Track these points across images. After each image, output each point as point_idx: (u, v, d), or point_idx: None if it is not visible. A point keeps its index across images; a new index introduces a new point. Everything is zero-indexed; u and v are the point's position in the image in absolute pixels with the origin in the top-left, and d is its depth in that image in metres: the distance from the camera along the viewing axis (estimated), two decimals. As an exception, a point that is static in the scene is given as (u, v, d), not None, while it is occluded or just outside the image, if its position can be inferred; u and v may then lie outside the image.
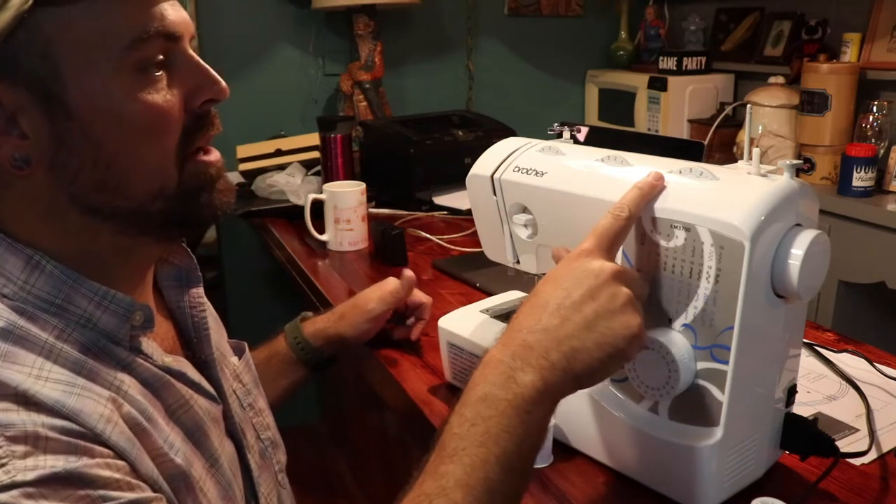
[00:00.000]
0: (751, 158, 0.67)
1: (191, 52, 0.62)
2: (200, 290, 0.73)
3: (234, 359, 0.80)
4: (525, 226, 0.82)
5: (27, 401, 0.50)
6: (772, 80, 2.09)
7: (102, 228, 0.60)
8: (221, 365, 0.74)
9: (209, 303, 0.83)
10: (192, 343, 0.71)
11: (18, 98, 0.55)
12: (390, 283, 1.02)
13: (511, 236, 0.85)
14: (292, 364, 1.00)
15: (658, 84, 2.31)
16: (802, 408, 0.85)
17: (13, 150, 0.56)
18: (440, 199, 1.76)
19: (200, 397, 0.66)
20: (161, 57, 0.59)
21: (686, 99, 2.31)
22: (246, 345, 0.84)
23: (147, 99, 0.58)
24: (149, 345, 0.63)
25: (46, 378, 0.52)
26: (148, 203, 0.61)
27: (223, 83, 0.63)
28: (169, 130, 0.60)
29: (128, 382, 0.58)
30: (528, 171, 0.80)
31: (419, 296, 1.05)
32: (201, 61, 0.62)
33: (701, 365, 0.66)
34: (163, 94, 0.59)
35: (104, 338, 0.59)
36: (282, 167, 1.89)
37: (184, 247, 0.72)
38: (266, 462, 0.77)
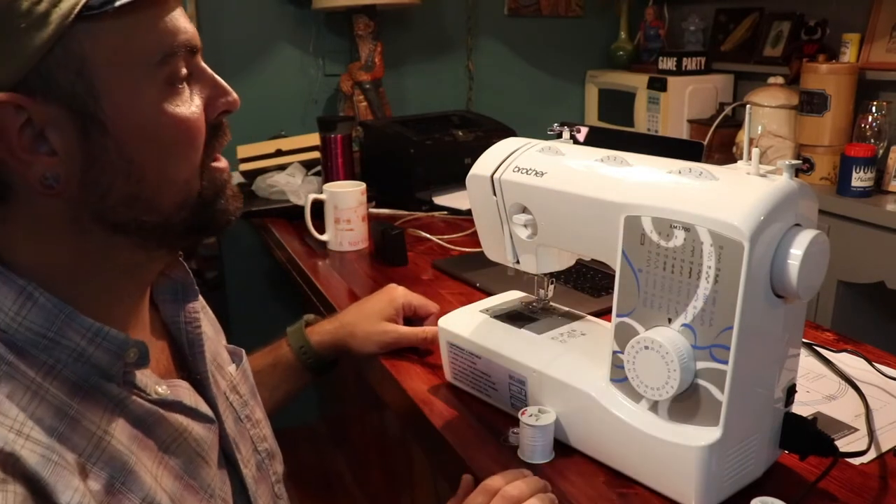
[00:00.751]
0: (750, 159, 0.68)
1: (205, 65, 0.63)
2: (197, 305, 0.72)
3: (232, 367, 0.79)
4: (525, 226, 0.82)
5: (5, 463, 0.50)
6: (771, 80, 2.09)
7: (120, 244, 0.60)
8: (217, 378, 0.74)
9: (207, 307, 0.84)
10: (187, 360, 0.71)
11: (50, 114, 0.54)
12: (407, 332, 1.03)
13: (511, 236, 0.85)
14: (297, 371, 1.00)
15: (658, 84, 2.32)
16: (802, 407, 0.85)
17: (44, 170, 0.55)
18: (440, 199, 1.77)
19: (196, 424, 0.66)
20: (185, 71, 0.60)
21: (686, 99, 2.31)
22: (244, 352, 0.84)
23: (178, 113, 0.59)
24: (143, 377, 0.62)
25: (27, 437, 0.51)
26: (174, 215, 0.61)
27: (235, 94, 0.65)
28: (198, 143, 0.61)
29: (115, 426, 0.58)
30: (527, 172, 0.80)
31: (429, 307, 1.06)
32: (215, 74, 0.63)
33: (700, 365, 0.66)
34: (189, 107, 0.60)
35: (96, 374, 0.58)
36: (282, 167, 1.89)
37: (181, 260, 0.72)
38: (263, 474, 0.77)
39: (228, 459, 0.71)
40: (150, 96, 0.57)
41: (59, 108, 0.54)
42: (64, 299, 0.58)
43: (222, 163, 0.66)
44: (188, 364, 0.71)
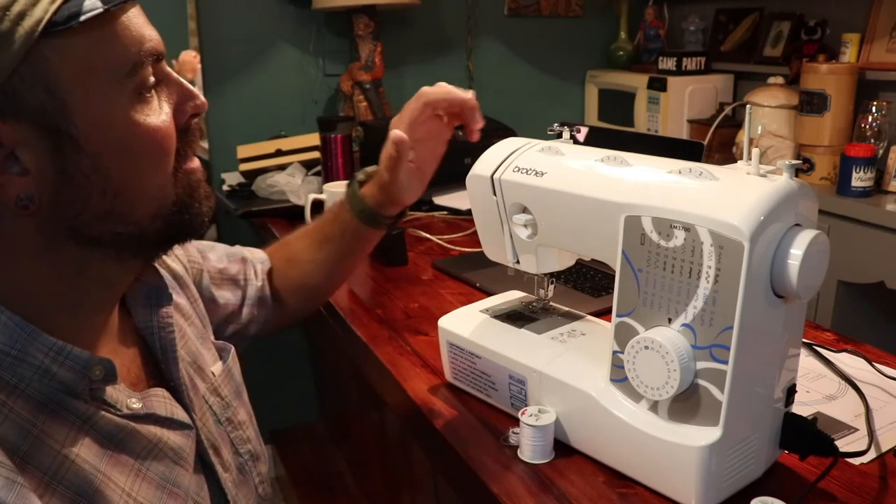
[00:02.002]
0: (750, 159, 0.68)
1: (169, 69, 0.62)
2: (170, 310, 0.71)
3: (216, 366, 0.78)
4: (525, 226, 0.82)
5: None
6: (771, 80, 2.09)
7: (95, 258, 0.60)
8: (196, 381, 0.73)
9: (199, 300, 0.83)
10: (160, 365, 0.70)
11: (20, 134, 0.53)
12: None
13: (511, 236, 0.85)
14: (367, 232, 0.98)
15: (658, 84, 2.32)
16: (802, 407, 0.85)
17: (18, 190, 0.54)
18: (440, 199, 1.77)
19: (172, 432, 0.65)
20: (153, 79, 0.59)
21: (685, 99, 2.32)
22: (232, 348, 0.83)
23: (149, 122, 0.58)
24: (114, 391, 0.61)
25: None
26: (148, 225, 0.61)
27: (202, 97, 0.64)
28: (169, 150, 0.61)
29: (81, 444, 0.57)
30: (528, 171, 0.80)
31: (455, 94, 0.90)
32: (179, 77, 0.63)
33: (700, 365, 0.66)
34: (159, 116, 0.59)
35: (62, 391, 0.57)
36: (282, 167, 1.89)
37: (154, 265, 0.72)
38: (245, 477, 0.77)
39: (205, 464, 0.70)
40: (120, 108, 0.57)
41: (29, 126, 0.53)
42: (30, 315, 0.57)
43: (194, 163, 0.65)
44: (161, 369, 0.70)
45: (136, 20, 0.58)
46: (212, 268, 0.92)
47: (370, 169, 0.98)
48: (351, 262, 1.03)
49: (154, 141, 0.59)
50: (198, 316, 0.82)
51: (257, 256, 1.02)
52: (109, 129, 0.56)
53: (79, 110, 0.55)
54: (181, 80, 0.63)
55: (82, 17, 0.53)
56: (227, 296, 0.93)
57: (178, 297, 0.78)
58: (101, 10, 0.53)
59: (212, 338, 0.82)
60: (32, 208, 0.55)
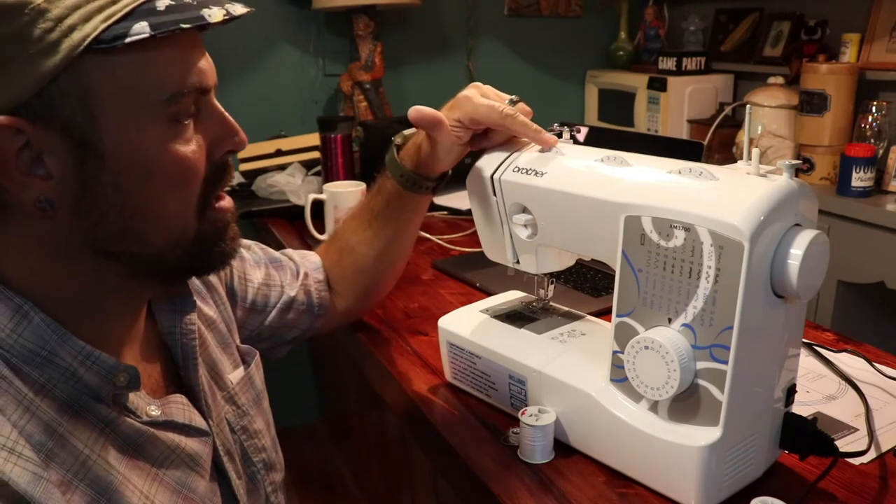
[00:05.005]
0: (750, 159, 0.68)
1: (216, 102, 0.63)
2: (193, 317, 0.72)
3: (235, 373, 0.79)
4: (525, 226, 0.82)
5: None
6: (771, 80, 2.09)
7: (112, 271, 0.60)
8: (214, 389, 0.74)
9: (227, 303, 0.83)
10: (180, 371, 0.71)
11: (49, 139, 0.55)
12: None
13: (511, 236, 0.85)
14: (411, 199, 0.94)
15: (657, 84, 2.32)
16: (802, 407, 0.85)
17: (39, 192, 0.55)
18: (440, 199, 1.77)
19: (189, 439, 0.66)
20: (193, 108, 0.60)
21: (685, 99, 2.31)
22: (257, 353, 0.83)
23: (178, 150, 0.59)
24: (135, 398, 0.62)
25: (19, 455, 0.52)
26: (167, 252, 0.61)
27: (243, 134, 0.64)
28: (195, 181, 0.61)
29: (103, 446, 0.58)
30: (528, 171, 0.80)
31: (492, 118, 0.83)
32: (225, 112, 0.63)
33: (700, 365, 0.66)
34: (191, 146, 0.60)
35: (87, 394, 0.58)
36: (282, 167, 1.89)
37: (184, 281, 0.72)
38: (255, 486, 0.77)
39: (220, 471, 0.71)
40: (152, 132, 0.57)
41: (59, 134, 0.55)
42: (58, 318, 0.58)
43: (227, 202, 0.66)
44: (182, 376, 0.71)
45: (188, 50, 0.59)
46: (246, 270, 0.91)
47: (408, 132, 0.94)
48: (402, 240, 0.98)
49: (178, 169, 0.59)
50: (223, 321, 0.82)
51: (309, 262, 0.99)
52: (136, 150, 0.57)
53: (108, 127, 0.55)
54: (225, 114, 0.63)
55: (128, 40, 0.53)
56: (257, 300, 0.92)
57: (204, 304, 0.78)
58: (147, 35, 0.54)
59: (237, 342, 0.82)
60: (51, 213, 0.56)
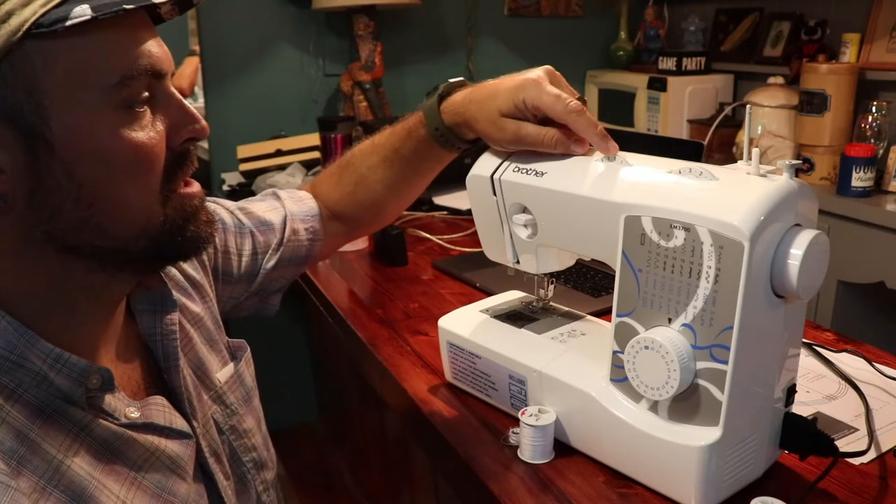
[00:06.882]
0: (750, 159, 0.68)
1: (172, 89, 0.61)
2: (175, 316, 0.70)
3: (223, 372, 0.78)
4: (525, 226, 0.82)
5: None
6: (771, 80, 2.09)
7: (77, 266, 0.59)
8: (200, 391, 0.72)
9: (213, 300, 0.82)
10: (162, 373, 0.70)
11: None
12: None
13: (511, 236, 0.85)
14: (440, 153, 0.89)
15: (658, 84, 2.32)
16: (802, 407, 0.85)
17: None
18: (440, 199, 1.77)
19: (170, 441, 0.64)
20: (146, 94, 0.58)
21: (685, 99, 2.32)
22: (248, 348, 0.82)
23: (132, 136, 0.57)
24: (113, 400, 0.61)
25: None
26: (132, 242, 0.60)
27: (203, 122, 0.63)
28: (153, 168, 0.59)
29: (76, 451, 0.57)
30: (528, 172, 0.80)
31: (556, 110, 0.79)
32: (182, 99, 0.62)
33: (700, 365, 0.66)
34: (147, 132, 0.58)
35: (59, 397, 0.57)
36: (282, 167, 1.90)
37: (159, 273, 0.71)
38: (246, 486, 0.76)
39: (206, 473, 0.70)
40: (103, 119, 0.55)
41: (6, 126, 0.53)
42: (27, 321, 0.57)
43: (193, 187, 0.64)
44: (164, 378, 0.70)
45: (135, 32, 0.57)
46: (232, 242, 0.89)
47: (454, 80, 0.88)
48: (420, 183, 0.97)
49: (136, 156, 0.57)
50: (211, 317, 0.80)
51: (301, 210, 0.95)
52: (88, 138, 0.55)
53: (57, 116, 0.54)
54: (183, 101, 0.62)
55: (68, 23, 0.52)
56: (243, 272, 0.90)
57: (189, 301, 0.77)
58: (88, 17, 0.52)
59: (224, 340, 0.81)
60: (4, 207, 0.55)
